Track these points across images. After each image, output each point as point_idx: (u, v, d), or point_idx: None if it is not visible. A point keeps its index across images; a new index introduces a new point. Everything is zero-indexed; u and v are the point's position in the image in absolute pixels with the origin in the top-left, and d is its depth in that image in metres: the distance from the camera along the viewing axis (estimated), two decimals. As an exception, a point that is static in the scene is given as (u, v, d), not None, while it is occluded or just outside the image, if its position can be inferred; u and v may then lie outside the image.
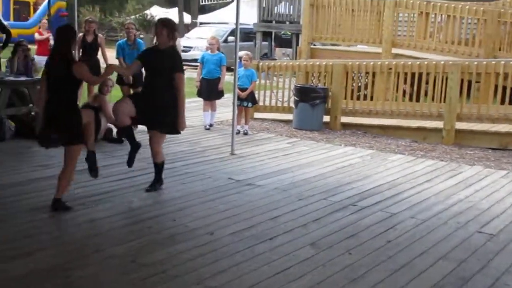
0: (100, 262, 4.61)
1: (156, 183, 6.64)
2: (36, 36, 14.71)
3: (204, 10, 40.13)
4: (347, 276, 4.58)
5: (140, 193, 6.44)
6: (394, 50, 13.53)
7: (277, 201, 6.44)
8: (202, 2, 38.64)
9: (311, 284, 4.40)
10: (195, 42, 21.62)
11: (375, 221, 5.95)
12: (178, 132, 6.53)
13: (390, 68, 10.79)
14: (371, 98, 11.36)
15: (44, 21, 14.70)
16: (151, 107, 6.24)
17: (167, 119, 6.28)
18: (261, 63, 12.10)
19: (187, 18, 38.00)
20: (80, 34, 10.37)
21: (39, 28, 14.30)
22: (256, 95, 10.99)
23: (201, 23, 33.11)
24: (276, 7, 21.18)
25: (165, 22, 6.46)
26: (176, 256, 4.78)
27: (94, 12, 39.26)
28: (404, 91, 11.23)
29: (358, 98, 11.32)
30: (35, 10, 35.25)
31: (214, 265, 4.64)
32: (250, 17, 22.24)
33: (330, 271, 4.64)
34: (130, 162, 6.63)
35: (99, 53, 10.76)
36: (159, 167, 6.64)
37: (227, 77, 11.15)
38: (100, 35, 10.90)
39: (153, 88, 6.27)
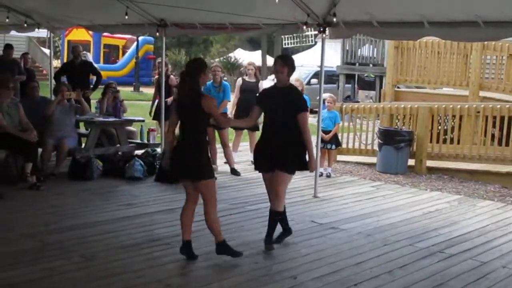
0: (184, 303, 4.62)
1: (284, 235, 6.27)
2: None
3: (288, 52, 40.57)
4: (436, 327, 4.39)
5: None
6: (482, 93, 13.19)
7: (361, 246, 6.30)
8: (285, 45, 39.04)
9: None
10: (278, 84, 21.80)
11: (465, 269, 5.70)
12: (308, 169, 6.12)
13: (478, 112, 10.50)
14: (458, 142, 11.05)
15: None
16: (274, 148, 5.97)
17: (291, 158, 5.97)
18: (344, 106, 12.04)
19: (270, 61, 38.48)
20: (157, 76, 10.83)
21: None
22: (339, 138, 10.92)
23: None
24: (359, 50, 21.12)
25: (286, 60, 6.17)
26: None
27: (180, 55, 40.46)
28: (493, 135, 10.89)
29: (444, 142, 11.04)
30: (123, 53, 36.59)
31: (298, 310, 4.56)
32: (332, 59, 22.27)
33: (419, 321, 4.47)
34: (269, 242, 6.07)
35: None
36: (275, 217, 6.06)
37: (310, 119, 11.11)
38: (171, 76, 11.29)
39: (275, 129, 6.02)
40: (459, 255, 6.13)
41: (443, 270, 5.66)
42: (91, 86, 11.38)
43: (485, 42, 12.47)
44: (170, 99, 10.79)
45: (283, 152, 5.92)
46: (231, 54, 40.87)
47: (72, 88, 9.80)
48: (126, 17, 9.28)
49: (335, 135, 10.30)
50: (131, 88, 28.49)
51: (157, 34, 10.08)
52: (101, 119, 9.47)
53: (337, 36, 8.74)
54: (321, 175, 9.81)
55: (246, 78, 10.83)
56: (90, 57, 29.60)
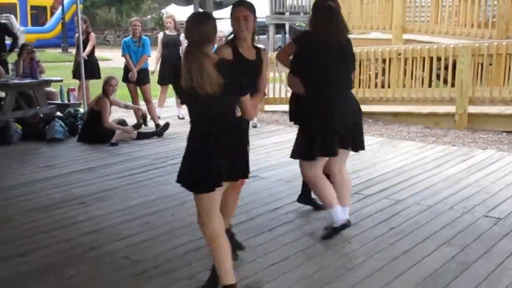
0: (94, 259, 4.56)
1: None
2: None
3: (221, 5, 39.99)
4: (344, 265, 4.46)
5: (141, 190, 6.38)
6: (406, 36, 13.30)
7: (279, 192, 6.34)
8: (218, -1, 38.58)
9: (305, 275, 4.30)
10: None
11: (379, 208, 5.82)
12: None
13: (399, 54, 10.60)
14: (387, 86, 11.14)
15: None
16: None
17: None
18: (269, 55, 11.93)
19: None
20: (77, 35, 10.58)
21: None
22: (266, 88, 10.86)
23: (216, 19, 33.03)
24: (289, -1, 21.05)
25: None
26: (170, 251, 4.71)
27: (110, 13, 39.46)
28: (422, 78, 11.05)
29: (369, 87, 11.11)
30: (52, 14, 35.45)
31: (209, 259, 4.55)
32: (262, 10, 22.12)
33: (328, 261, 4.54)
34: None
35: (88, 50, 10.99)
36: None
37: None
38: (92, 33, 11.03)
39: None
40: (374, 195, 6.24)
41: (357, 211, 5.75)
42: (8, 49, 10.99)
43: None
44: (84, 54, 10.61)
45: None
46: (163, 10, 40.02)
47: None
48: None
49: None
50: (60, 50, 27.74)
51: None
52: (16, 81, 9.16)
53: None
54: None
55: (167, 32, 10.66)
56: (14, 20, 28.55)
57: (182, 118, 10.45)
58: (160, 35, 10.70)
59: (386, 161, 7.78)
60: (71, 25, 31.61)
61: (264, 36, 21.82)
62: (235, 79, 3.72)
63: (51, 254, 4.65)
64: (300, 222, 5.42)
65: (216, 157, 3.67)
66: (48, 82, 9.73)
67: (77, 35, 10.53)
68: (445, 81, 10.47)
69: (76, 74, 10.85)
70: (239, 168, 3.87)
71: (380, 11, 13.83)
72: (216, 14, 36.08)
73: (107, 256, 4.61)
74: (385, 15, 13.59)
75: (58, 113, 9.79)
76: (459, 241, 4.97)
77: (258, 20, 17.44)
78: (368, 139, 9.02)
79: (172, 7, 40.56)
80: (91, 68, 10.64)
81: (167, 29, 10.61)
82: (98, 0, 42.07)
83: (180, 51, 10.35)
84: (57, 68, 15.63)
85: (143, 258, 4.55)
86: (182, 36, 10.35)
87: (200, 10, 38.54)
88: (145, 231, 5.16)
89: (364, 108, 10.53)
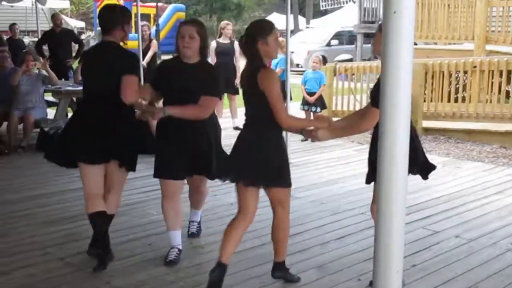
0: (74, 282, 4.29)
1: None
2: None
3: (320, 13, 39.58)
4: (341, 306, 3.96)
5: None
6: (489, 47, 12.32)
7: (306, 216, 5.84)
8: (322, 7, 38.27)
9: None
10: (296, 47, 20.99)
11: (410, 240, 5.17)
12: None
13: (475, 66, 9.76)
14: (461, 100, 10.31)
15: None
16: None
17: None
18: (338, 65, 11.41)
19: (302, 23, 38.01)
20: None
21: None
22: (334, 99, 10.40)
23: (312, 27, 32.88)
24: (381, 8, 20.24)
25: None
26: (158, 277, 4.37)
27: (211, 21, 39.93)
28: (508, 92, 10.16)
29: (441, 100, 10.30)
30: (155, 21, 36.27)
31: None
32: (353, 19, 21.46)
33: (325, 299, 4.05)
34: None
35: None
36: None
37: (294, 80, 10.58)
38: (154, 41, 10.88)
39: None
40: (412, 224, 5.59)
41: (384, 241, 5.18)
42: (73, 56, 11.09)
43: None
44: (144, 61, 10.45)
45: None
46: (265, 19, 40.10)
47: (53, 57, 9.57)
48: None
49: (320, 97, 9.75)
50: (156, 57, 28.40)
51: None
52: (69, 88, 9.12)
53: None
54: (306, 139, 9.30)
55: (220, 40, 10.35)
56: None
57: (236, 128, 10.05)
58: (213, 43, 10.27)
59: (441, 185, 7.06)
60: (173, 32, 32.50)
61: (353, 46, 21.17)
62: None
63: (35, 273, 4.42)
64: (313, 252, 4.91)
65: None
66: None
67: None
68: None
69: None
70: None
71: (463, 21, 12.89)
72: (313, 22, 35.79)
73: (90, 280, 4.32)
74: (468, 25, 12.64)
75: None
76: (488, 285, 4.31)
77: (346, 29, 17.04)
78: (432, 159, 8.38)
79: (274, 15, 40.55)
80: (152, 76, 10.50)
81: (219, 37, 10.31)
82: (201, 9, 42.79)
83: (234, 60, 10.05)
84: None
85: (124, 284, 4.24)
86: (236, 44, 9.95)
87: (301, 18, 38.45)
88: (143, 253, 4.85)
89: (436, 124, 9.94)
